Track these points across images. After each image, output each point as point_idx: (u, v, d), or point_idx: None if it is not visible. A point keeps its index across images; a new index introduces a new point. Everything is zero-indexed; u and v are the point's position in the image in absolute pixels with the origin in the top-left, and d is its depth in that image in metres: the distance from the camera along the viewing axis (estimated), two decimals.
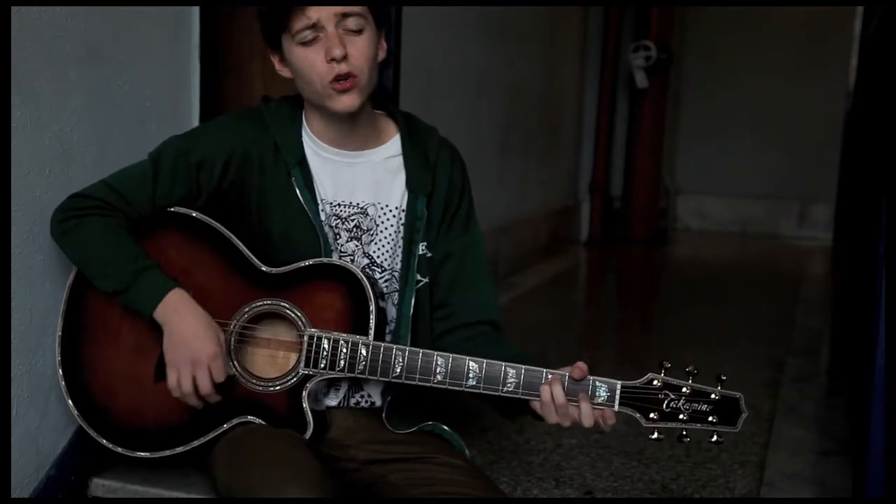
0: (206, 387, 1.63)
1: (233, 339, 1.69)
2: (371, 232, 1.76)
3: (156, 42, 2.09)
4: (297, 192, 1.72)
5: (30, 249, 1.79)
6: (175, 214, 1.74)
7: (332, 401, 1.75)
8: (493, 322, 1.81)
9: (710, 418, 1.54)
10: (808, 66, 6.81)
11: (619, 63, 6.16)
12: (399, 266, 1.77)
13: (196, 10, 2.21)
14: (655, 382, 1.55)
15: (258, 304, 1.69)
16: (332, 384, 1.74)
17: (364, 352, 1.63)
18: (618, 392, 1.56)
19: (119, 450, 1.73)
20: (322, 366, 1.64)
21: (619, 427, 2.37)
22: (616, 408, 1.56)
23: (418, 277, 1.76)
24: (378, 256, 1.77)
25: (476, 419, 2.45)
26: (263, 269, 1.70)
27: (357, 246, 1.76)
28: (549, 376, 1.57)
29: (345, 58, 1.62)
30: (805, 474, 2.29)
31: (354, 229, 1.76)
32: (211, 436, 1.68)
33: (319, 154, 1.76)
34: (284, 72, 1.72)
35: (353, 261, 1.75)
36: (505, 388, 1.58)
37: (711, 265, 5.93)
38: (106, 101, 1.95)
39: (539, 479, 2.19)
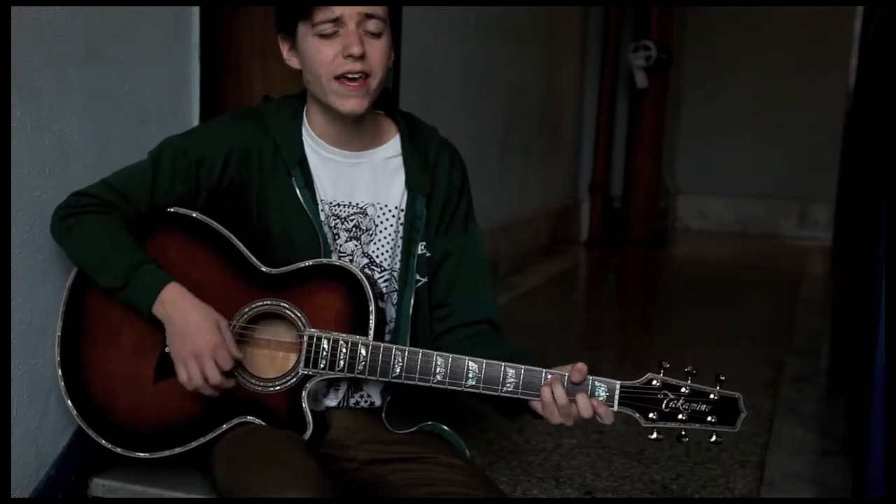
0: (214, 377, 1.62)
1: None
2: (370, 232, 1.76)
3: (156, 42, 2.09)
4: (297, 191, 1.72)
5: (30, 249, 1.79)
6: (175, 215, 1.74)
7: (331, 401, 1.75)
8: (491, 322, 1.81)
9: (709, 418, 1.54)
10: (808, 66, 6.81)
11: (619, 63, 6.16)
12: (398, 266, 1.77)
13: (196, 10, 2.21)
14: (655, 382, 1.55)
15: (258, 304, 1.69)
16: (331, 384, 1.74)
17: (364, 352, 1.63)
18: (617, 392, 1.56)
19: (118, 450, 1.73)
20: (322, 366, 1.64)
21: (619, 427, 2.39)
22: (615, 408, 1.56)
23: (417, 277, 1.76)
24: (377, 256, 1.77)
25: (476, 419, 2.45)
26: (263, 269, 1.70)
27: (356, 246, 1.76)
28: (549, 376, 1.57)
29: (362, 57, 1.62)
30: (805, 474, 2.29)
31: (354, 229, 1.76)
32: (210, 436, 1.68)
33: (320, 154, 1.76)
34: (293, 61, 1.71)
35: (352, 261, 1.75)
36: (504, 388, 1.58)
37: (711, 265, 5.94)
38: (106, 101, 1.95)
39: (539, 479, 2.19)
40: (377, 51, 1.64)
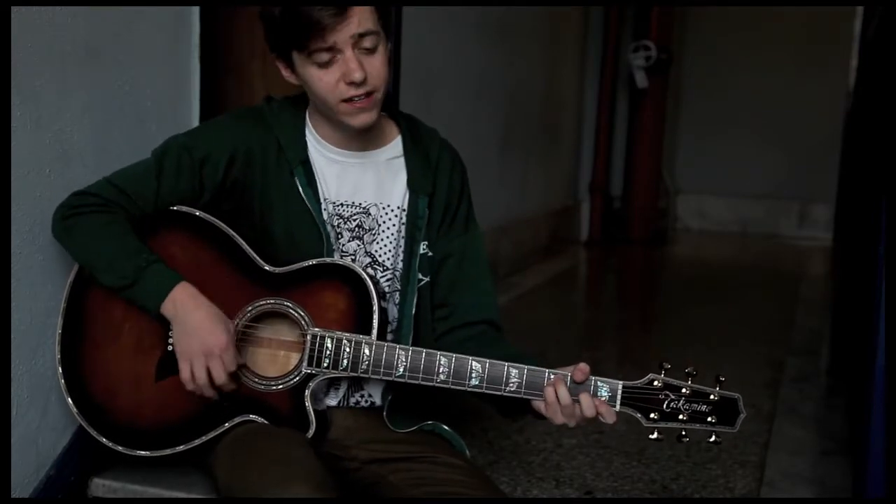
0: (220, 376, 1.62)
1: (235, 337, 1.68)
2: (373, 232, 1.77)
3: (156, 42, 2.09)
4: (300, 191, 1.72)
5: (30, 249, 1.79)
6: (178, 213, 1.74)
7: (332, 400, 1.75)
8: (492, 322, 1.82)
9: (709, 419, 1.55)
10: (808, 66, 6.81)
11: (619, 63, 6.16)
12: (400, 265, 1.77)
13: (196, 10, 2.21)
14: (656, 383, 1.56)
15: (261, 303, 1.69)
16: (331, 383, 1.75)
17: (367, 351, 1.63)
18: (619, 392, 1.56)
19: (119, 448, 1.73)
20: (325, 365, 1.64)
21: (619, 427, 2.39)
22: (617, 408, 1.56)
23: (420, 276, 1.76)
24: (380, 256, 1.77)
25: (476, 419, 2.45)
26: (266, 268, 1.70)
27: (359, 245, 1.76)
28: (552, 376, 1.57)
29: (364, 80, 1.61)
30: (805, 474, 2.29)
31: (357, 229, 1.76)
32: (212, 434, 1.68)
33: (323, 154, 1.76)
34: (292, 78, 1.70)
35: (354, 260, 1.75)
36: (507, 388, 1.59)
37: (711, 265, 5.94)
38: (106, 101, 1.95)
39: (539, 479, 2.19)
40: (376, 67, 1.63)
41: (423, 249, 1.77)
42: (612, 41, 6.05)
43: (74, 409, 1.74)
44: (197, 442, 1.69)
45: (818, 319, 4.11)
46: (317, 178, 1.75)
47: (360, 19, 1.59)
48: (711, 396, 1.55)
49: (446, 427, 1.78)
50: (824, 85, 6.65)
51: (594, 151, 6.16)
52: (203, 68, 2.23)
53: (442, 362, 1.60)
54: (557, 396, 1.55)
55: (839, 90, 6.25)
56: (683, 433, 1.56)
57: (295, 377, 1.66)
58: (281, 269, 1.70)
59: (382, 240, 1.77)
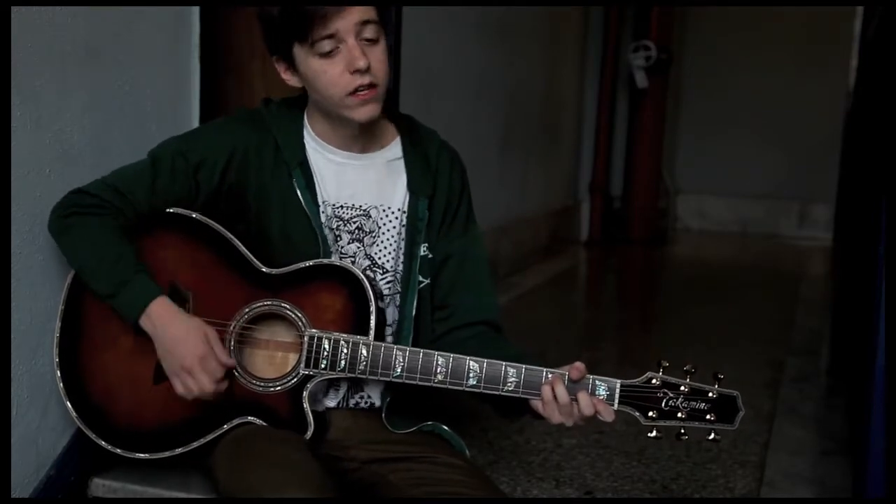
0: (207, 386, 1.62)
1: (233, 339, 1.69)
2: (373, 234, 1.76)
3: (156, 42, 2.09)
4: (298, 192, 1.72)
5: (30, 250, 1.79)
6: (175, 216, 1.74)
7: (331, 401, 1.75)
8: (492, 322, 1.82)
9: (708, 416, 1.55)
10: (808, 66, 6.81)
11: (619, 63, 6.15)
12: (400, 268, 1.77)
13: (196, 10, 2.21)
14: (654, 381, 1.56)
15: (258, 304, 1.69)
16: (331, 385, 1.74)
17: (365, 352, 1.63)
18: (617, 391, 1.56)
19: (118, 451, 1.73)
20: (323, 366, 1.64)
21: (619, 427, 2.39)
22: (616, 406, 1.56)
23: (420, 278, 1.76)
24: (380, 258, 1.77)
25: (476, 419, 2.45)
26: (263, 269, 1.70)
27: (359, 248, 1.76)
28: (550, 376, 1.57)
29: (368, 69, 1.61)
30: (805, 474, 2.29)
31: (357, 231, 1.76)
32: (211, 437, 1.68)
33: (322, 155, 1.76)
34: (292, 80, 1.70)
35: (354, 262, 1.75)
36: (505, 388, 1.59)
37: (711, 265, 5.93)
38: (106, 101, 1.95)
39: (539, 479, 2.19)
40: (378, 57, 1.63)
41: (424, 252, 1.77)
42: (612, 41, 6.05)
43: (73, 413, 1.74)
44: (196, 444, 1.69)
45: (818, 319, 4.11)
46: (315, 179, 1.74)
47: (364, 8, 1.61)
48: (710, 394, 1.55)
49: (446, 427, 1.78)
50: (824, 85, 6.64)
51: (594, 151, 6.16)
52: (203, 68, 2.24)
53: (440, 362, 1.60)
54: (555, 395, 1.55)
55: (839, 90, 6.24)
56: (682, 431, 1.56)
57: (293, 378, 1.66)
58: (278, 270, 1.69)
59: (382, 242, 1.77)
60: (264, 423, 1.66)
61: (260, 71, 2.63)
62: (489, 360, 1.59)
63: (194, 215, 1.74)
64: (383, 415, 1.74)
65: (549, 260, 5.30)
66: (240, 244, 1.72)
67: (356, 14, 1.60)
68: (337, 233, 1.75)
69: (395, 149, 1.80)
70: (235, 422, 1.67)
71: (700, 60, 7.06)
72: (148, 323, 1.64)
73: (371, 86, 1.63)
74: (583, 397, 1.54)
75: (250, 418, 1.67)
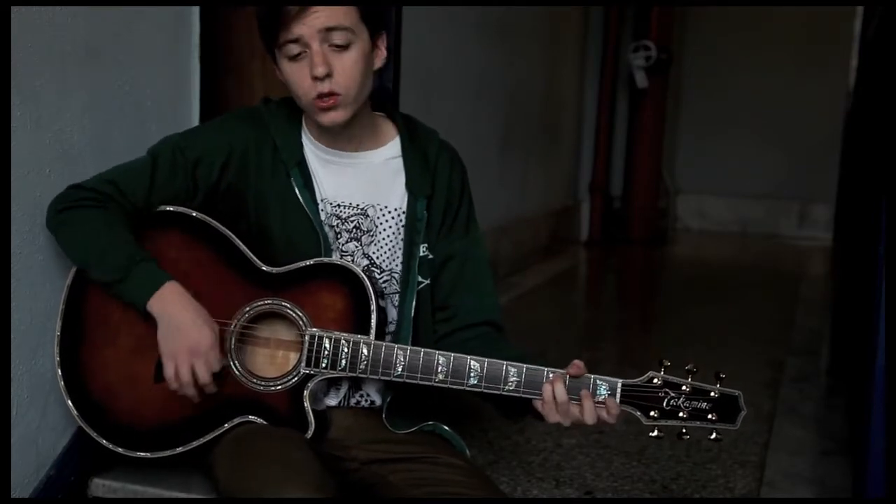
0: (204, 376, 1.62)
1: (233, 338, 1.69)
2: (371, 233, 1.76)
3: (156, 42, 2.09)
4: (297, 192, 1.72)
5: (30, 249, 1.79)
6: (175, 214, 1.74)
7: (331, 400, 1.75)
8: (494, 323, 1.81)
9: (710, 416, 1.54)
10: (808, 66, 6.81)
11: (619, 63, 6.16)
12: (399, 267, 1.77)
13: (196, 10, 2.21)
14: (655, 381, 1.56)
15: (259, 303, 1.69)
16: (331, 384, 1.74)
17: (366, 351, 1.63)
18: (619, 390, 1.56)
19: (119, 450, 1.73)
20: (324, 365, 1.64)
21: (619, 427, 2.39)
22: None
23: (419, 279, 1.76)
24: (378, 257, 1.77)
25: (476, 419, 2.45)
26: (264, 268, 1.70)
27: (357, 247, 1.76)
28: (551, 375, 1.57)
29: (328, 76, 1.61)
30: (805, 474, 2.29)
31: (354, 230, 1.76)
32: (211, 436, 1.68)
33: (319, 155, 1.76)
34: (283, 78, 1.71)
35: (352, 261, 1.75)
36: (506, 388, 1.58)
37: (711, 265, 5.93)
38: (106, 101, 1.95)
39: (539, 479, 2.19)
40: (345, 64, 1.61)
41: (423, 252, 1.76)
42: (612, 41, 6.05)
43: (74, 411, 1.74)
44: (196, 443, 1.69)
45: (818, 319, 4.11)
46: (313, 178, 1.75)
47: (330, 14, 1.59)
48: (712, 394, 1.55)
49: (446, 427, 1.78)
50: (824, 85, 6.65)
51: (594, 151, 6.16)
52: (203, 68, 2.24)
53: (440, 361, 1.60)
54: (554, 394, 1.55)
55: (839, 90, 6.24)
56: (684, 431, 1.55)
57: (293, 377, 1.66)
58: (279, 269, 1.70)
59: (380, 241, 1.77)
60: (265, 422, 1.66)
61: (260, 71, 2.63)
62: (490, 360, 1.59)
63: (194, 214, 1.74)
64: (384, 415, 1.73)
65: (549, 260, 5.30)
66: (240, 243, 1.72)
67: (321, 20, 1.58)
68: (336, 231, 1.75)
69: (393, 148, 1.79)
70: (236, 421, 1.67)
71: (700, 60, 7.06)
72: (158, 304, 1.63)
73: (331, 94, 1.62)
74: (587, 404, 1.54)
75: (251, 417, 1.67)
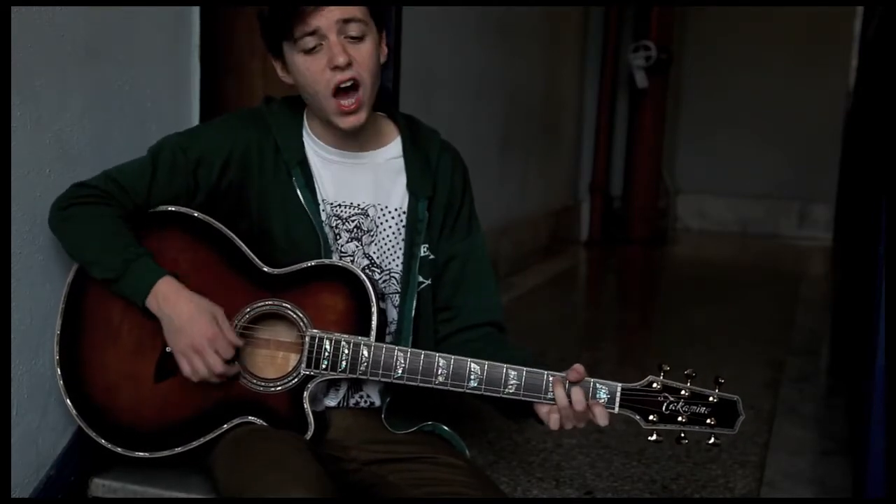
0: (217, 367, 1.62)
1: None
2: (371, 233, 1.76)
3: (156, 42, 2.09)
4: (298, 191, 1.72)
5: (30, 249, 1.79)
6: (176, 214, 1.74)
7: (331, 401, 1.75)
8: (496, 324, 1.82)
9: (708, 420, 1.55)
10: (808, 66, 6.81)
11: (619, 63, 6.15)
12: (399, 268, 1.76)
13: (196, 10, 2.21)
14: (655, 385, 1.56)
15: (260, 304, 1.69)
16: (331, 384, 1.74)
17: (366, 353, 1.63)
18: (618, 394, 1.56)
19: (118, 450, 1.73)
20: (324, 367, 1.64)
21: (619, 427, 2.39)
22: (616, 410, 1.56)
23: (420, 279, 1.76)
24: (378, 257, 1.77)
25: (476, 419, 2.45)
26: (265, 269, 1.70)
27: (357, 246, 1.76)
28: (551, 378, 1.57)
29: (349, 65, 1.62)
30: (805, 474, 2.29)
31: (355, 230, 1.76)
32: (211, 436, 1.68)
33: (320, 155, 1.76)
34: (287, 78, 1.71)
35: (352, 261, 1.75)
36: (506, 391, 1.58)
37: (711, 265, 5.93)
38: (106, 101, 1.95)
39: (539, 479, 2.19)
40: (363, 55, 1.64)
41: (424, 252, 1.76)
42: (612, 41, 6.05)
43: (74, 411, 1.74)
44: (196, 443, 1.69)
45: (818, 319, 4.11)
46: (314, 178, 1.75)
47: (344, 7, 1.61)
48: (710, 398, 1.55)
49: (446, 427, 1.78)
50: (824, 85, 6.65)
51: (594, 151, 6.16)
52: (203, 68, 2.24)
53: (441, 364, 1.60)
54: (570, 399, 1.55)
55: (839, 90, 6.25)
56: (682, 435, 1.56)
57: (293, 379, 1.66)
58: (279, 270, 1.69)
59: (380, 241, 1.77)
60: (264, 423, 1.66)
61: (260, 71, 2.63)
62: (490, 363, 1.59)
63: (196, 214, 1.74)
64: (383, 416, 1.73)
65: (549, 260, 5.30)
66: (241, 243, 1.72)
67: (337, 12, 1.61)
68: (336, 231, 1.75)
69: (394, 148, 1.79)
70: (235, 421, 1.67)
71: (700, 60, 7.06)
72: (155, 302, 1.64)
73: (352, 83, 1.63)
74: (576, 393, 1.54)
75: (250, 418, 1.67)
